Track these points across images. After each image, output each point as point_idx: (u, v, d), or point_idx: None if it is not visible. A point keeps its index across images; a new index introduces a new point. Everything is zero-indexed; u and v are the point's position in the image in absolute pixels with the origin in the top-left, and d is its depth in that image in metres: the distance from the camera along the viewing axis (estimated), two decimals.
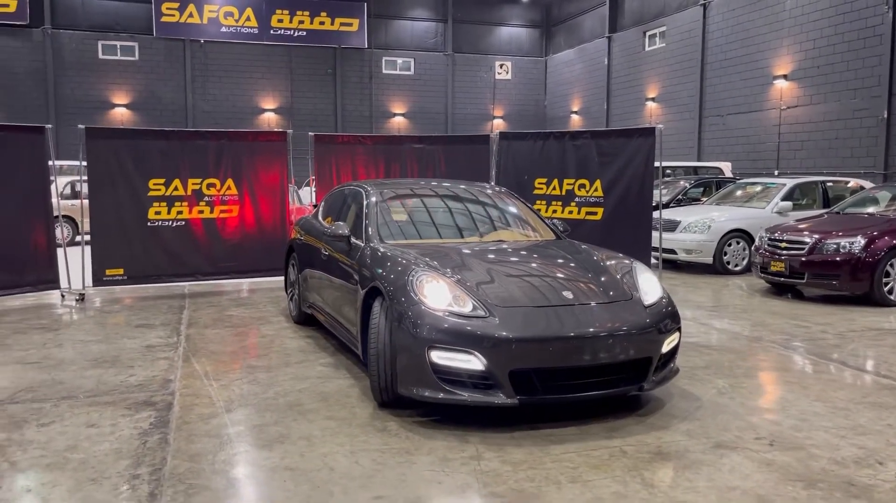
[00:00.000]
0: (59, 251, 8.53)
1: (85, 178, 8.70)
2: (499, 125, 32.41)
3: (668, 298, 4.66)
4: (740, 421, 4.33)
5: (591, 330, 4.17)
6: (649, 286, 4.68)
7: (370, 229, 5.38)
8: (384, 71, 31.90)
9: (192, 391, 4.83)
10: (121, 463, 3.62)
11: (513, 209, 6.14)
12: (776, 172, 19.63)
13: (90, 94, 28.44)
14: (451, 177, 9.78)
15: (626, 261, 4.97)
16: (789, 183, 11.77)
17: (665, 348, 4.42)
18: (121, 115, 28.82)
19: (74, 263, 8.74)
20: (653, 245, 9.35)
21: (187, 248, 8.97)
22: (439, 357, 4.05)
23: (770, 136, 20.81)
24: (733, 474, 3.55)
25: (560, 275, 4.72)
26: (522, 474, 3.51)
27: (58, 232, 8.84)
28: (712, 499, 3.28)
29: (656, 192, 9.43)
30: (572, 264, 4.90)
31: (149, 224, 8.80)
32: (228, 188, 9.14)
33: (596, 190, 9.13)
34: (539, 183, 9.64)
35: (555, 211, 9.46)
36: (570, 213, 9.33)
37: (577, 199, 9.32)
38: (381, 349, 4.31)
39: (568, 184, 9.40)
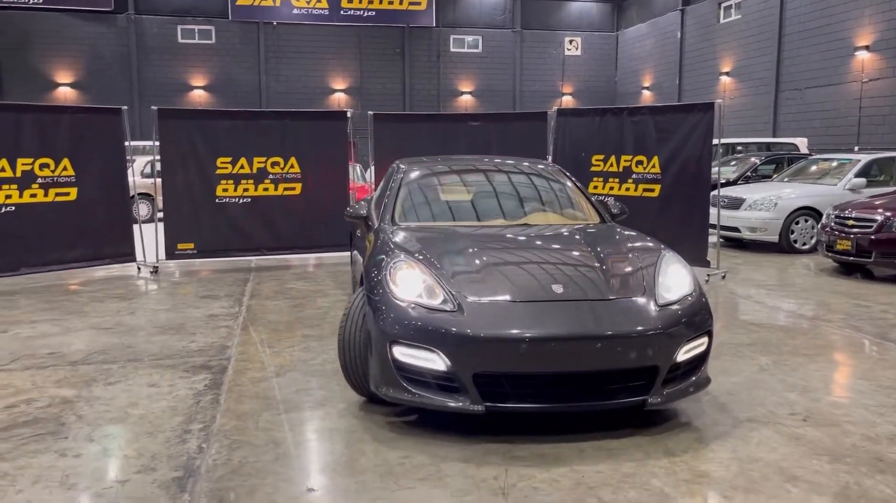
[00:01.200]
0: (136, 226, 9.05)
1: (159, 157, 9.19)
2: (568, 102, 32.03)
3: (698, 297, 3.95)
4: (777, 397, 4.31)
5: (577, 330, 3.58)
6: (675, 281, 3.99)
7: (387, 210, 5.07)
8: (452, 49, 31.94)
9: (247, 357, 5.13)
10: (175, 419, 3.92)
11: (559, 189, 5.59)
12: (856, 148, 18.78)
13: (170, 77, 29.58)
14: (509, 154, 9.85)
15: (655, 252, 4.27)
16: (864, 158, 11.30)
17: (683, 356, 3.72)
18: (198, 96, 29.87)
19: (150, 238, 9.26)
20: (713, 223, 9.18)
21: (253, 224, 9.35)
22: (402, 354, 3.62)
23: (850, 110, 19.90)
24: (759, 447, 3.57)
25: (565, 266, 4.15)
26: (545, 445, 3.63)
27: (136, 209, 9.37)
28: (733, 470, 3.32)
29: (714, 169, 9.23)
30: (588, 253, 4.26)
31: (217, 201, 9.22)
32: (292, 166, 9.46)
33: (653, 166, 9.02)
34: (596, 159, 9.58)
35: (612, 188, 9.40)
36: (627, 189, 9.25)
37: (634, 176, 9.22)
38: (348, 340, 3.96)
39: (625, 160, 9.30)
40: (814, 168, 12.09)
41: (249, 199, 9.36)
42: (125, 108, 9.05)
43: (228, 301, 7.18)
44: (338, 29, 30.52)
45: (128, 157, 9.11)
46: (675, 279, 4.02)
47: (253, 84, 30.23)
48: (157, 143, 9.11)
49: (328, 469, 3.37)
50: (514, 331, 3.54)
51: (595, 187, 9.46)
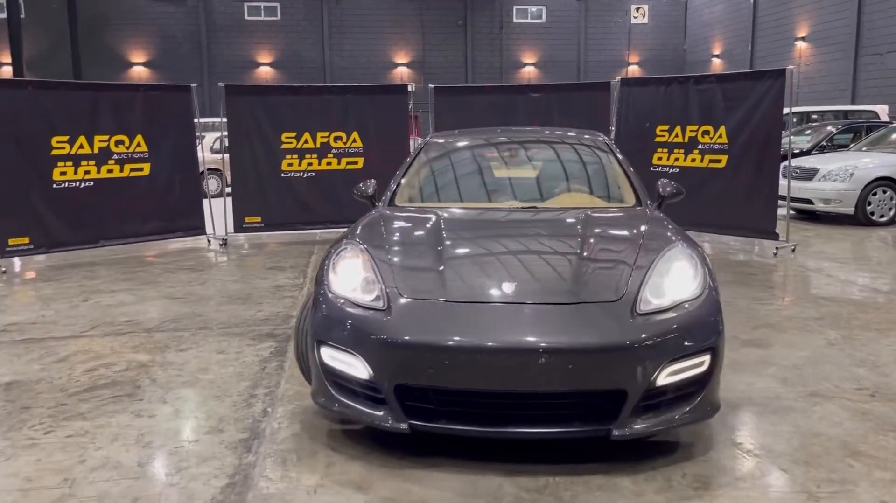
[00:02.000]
0: (206, 201, 9.36)
1: (227, 133, 9.44)
2: (633, 72, 31.30)
3: (701, 304, 3.14)
4: (844, 371, 4.19)
5: (515, 341, 2.90)
6: (673, 284, 3.23)
7: (389, 189, 4.60)
8: (515, 20, 31.55)
9: None
10: (241, 384, 4.09)
11: (597, 166, 4.82)
12: None
13: (237, 55, 30.22)
14: (571, 125, 9.73)
15: (663, 245, 3.48)
16: None
17: (666, 379, 2.95)
18: (264, 73, 30.44)
19: (220, 212, 9.57)
20: (783, 194, 8.90)
21: (316, 198, 9.54)
22: (330, 357, 3.19)
23: None
24: (822, 422, 3.50)
25: (537, 261, 3.54)
26: None
27: (206, 184, 9.68)
28: (794, 444, 3.26)
29: (785, 138, 8.91)
30: (575, 246, 3.56)
31: (282, 175, 9.44)
32: (354, 141, 9.59)
33: (720, 136, 8.77)
34: (661, 130, 9.38)
35: (677, 159, 9.20)
36: (693, 160, 9.03)
37: (700, 147, 8.99)
38: (300, 338, 3.57)
39: (691, 130, 9.08)
40: (894, 136, 11.53)
41: (313, 174, 9.54)
42: (194, 85, 9.32)
43: (293, 272, 7.38)
44: (400, 2, 30.53)
45: (197, 134, 9.39)
46: (674, 281, 3.24)
47: (317, 60, 30.59)
48: (225, 120, 9.36)
49: (385, 433, 3.46)
50: (439, 338, 2.94)
51: (659, 158, 9.28)
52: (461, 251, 3.66)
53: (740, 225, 8.46)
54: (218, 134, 16.07)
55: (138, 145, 8.69)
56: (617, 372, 2.90)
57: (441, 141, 5.20)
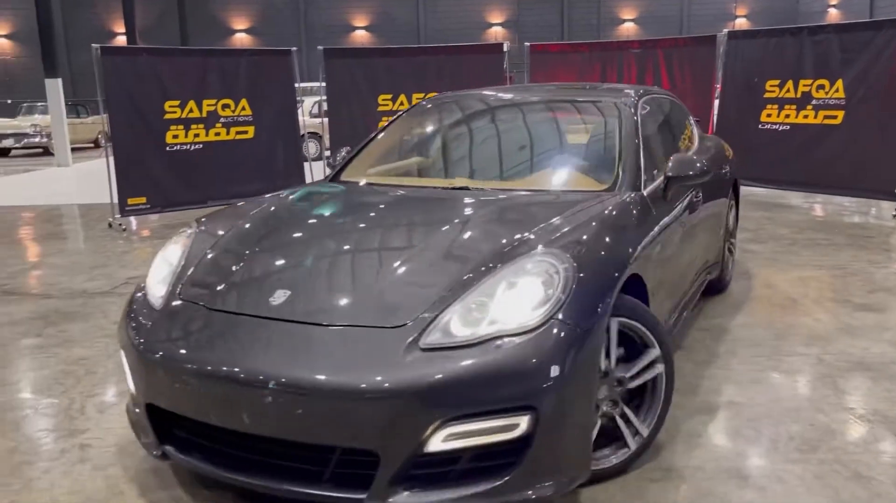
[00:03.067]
0: (306, 164, 9.64)
1: (325, 97, 9.62)
2: (741, 25, 29.71)
3: (529, 340, 2.20)
4: None
5: (249, 369, 2.23)
6: (504, 308, 2.28)
7: (344, 160, 4.02)
8: None
9: None
10: None
11: (595, 137, 3.76)
12: None
13: (334, 19, 30.64)
14: (674, 84, 9.37)
15: (515, 254, 2.50)
16: None
17: (443, 442, 2.13)
18: (360, 36, 30.77)
19: (319, 175, 9.84)
20: None
21: None
22: (126, 362, 2.67)
23: None
24: None
25: (357, 263, 2.78)
26: (704, 371, 3.56)
27: (306, 147, 9.95)
28: None
29: None
30: (420, 246, 2.76)
31: None
32: None
33: (836, 91, 8.24)
34: (771, 85, 8.90)
35: (787, 115, 8.72)
36: (806, 117, 8.54)
37: (813, 102, 8.48)
38: None
39: (804, 85, 8.57)
40: None
41: None
42: (294, 49, 9.54)
43: None
44: None
45: (297, 98, 9.63)
46: (507, 304, 2.29)
47: (411, 22, 30.62)
48: (324, 84, 9.54)
49: None
50: (176, 354, 2.43)
51: (768, 115, 8.83)
52: (277, 244, 2.98)
53: (857, 185, 7.97)
54: (317, 98, 16.45)
55: (243, 109, 9.01)
56: (363, 427, 2.12)
57: (424, 104, 4.37)
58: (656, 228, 3.09)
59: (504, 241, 2.64)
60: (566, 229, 2.70)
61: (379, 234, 3.03)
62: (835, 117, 8.29)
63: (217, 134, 8.85)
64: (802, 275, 5.32)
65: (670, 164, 3.33)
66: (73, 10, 30.72)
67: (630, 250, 2.73)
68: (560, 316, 2.26)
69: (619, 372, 2.56)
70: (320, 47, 9.68)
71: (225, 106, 8.88)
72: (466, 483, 2.17)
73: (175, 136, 8.55)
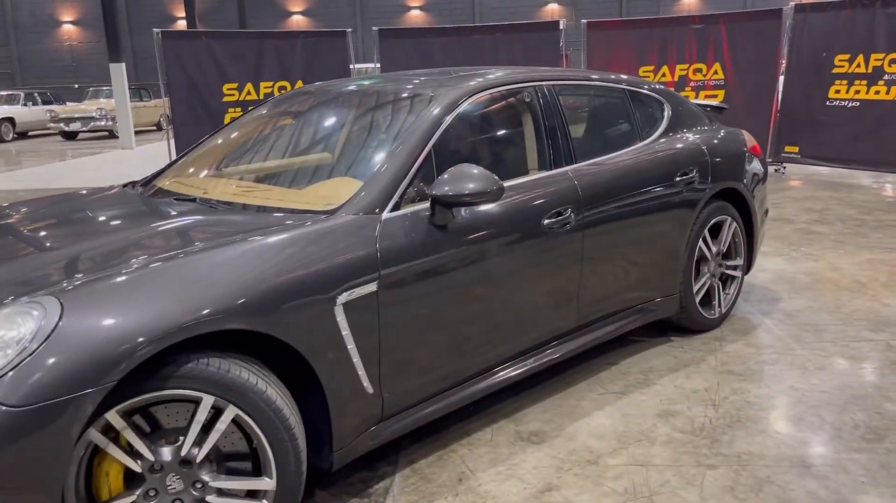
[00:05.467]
0: None
1: None
2: None
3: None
4: None
5: None
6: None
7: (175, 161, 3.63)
8: None
9: None
10: None
11: (381, 141, 2.91)
12: None
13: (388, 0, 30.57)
14: (737, 60, 9.07)
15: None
16: None
17: None
18: (415, 16, 30.68)
19: None
20: None
21: None
22: None
23: None
24: None
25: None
26: (766, 356, 3.47)
27: None
28: None
29: None
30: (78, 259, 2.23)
31: None
32: None
33: None
34: (840, 60, 8.54)
35: (858, 91, 8.36)
36: (877, 93, 8.18)
37: (886, 77, 8.11)
38: None
39: (876, 59, 8.20)
40: None
41: None
42: (349, 30, 9.57)
43: None
44: None
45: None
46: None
47: (466, 1, 30.37)
48: (378, 65, 9.56)
49: None
50: None
51: (837, 91, 8.49)
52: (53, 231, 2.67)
53: None
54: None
55: None
56: None
57: (283, 95, 3.75)
58: (388, 264, 2.32)
59: (22, 273, 2.14)
60: (119, 262, 2.09)
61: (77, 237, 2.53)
62: None
63: None
64: (871, 257, 5.12)
65: (437, 179, 2.48)
66: None
67: (225, 301, 1.97)
68: None
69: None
70: (375, 28, 9.70)
71: (281, 88, 9.00)
72: None
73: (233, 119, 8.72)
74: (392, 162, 2.57)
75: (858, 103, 8.28)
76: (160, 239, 2.37)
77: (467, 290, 2.61)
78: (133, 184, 3.34)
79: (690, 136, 3.77)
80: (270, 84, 8.89)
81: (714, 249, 3.78)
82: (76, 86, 26.82)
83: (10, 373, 1.72)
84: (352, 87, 3.38)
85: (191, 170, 3.30)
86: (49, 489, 1.77)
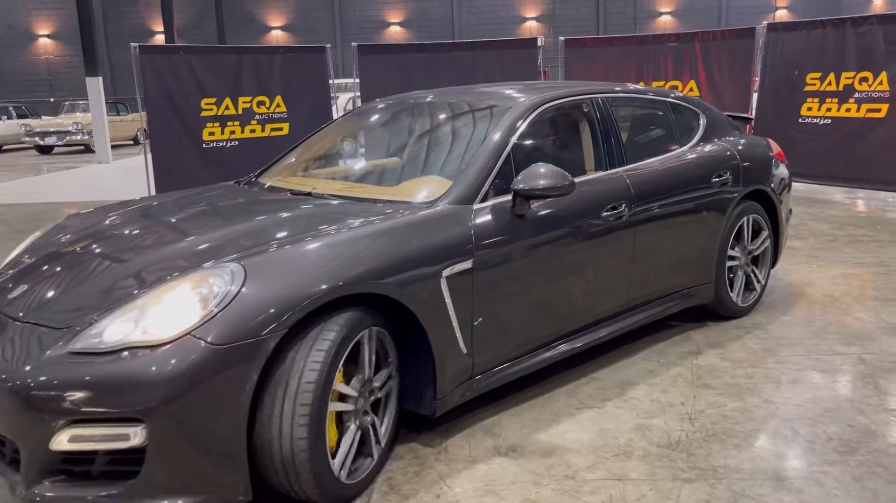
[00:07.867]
0: None
1: (359, 93, 9.68)
2: (782, 17, 29.08)
3: (163, 354, 2.15)
4: None
5: None
6: (161, 316, 2.24)
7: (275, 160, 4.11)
8: None
9: None
10: None
11: (461, 141, 3.44)
12: None
13: (368, 15, 30.74)
14: (712, 77, 9.23)
15: (194, 268, 2.44)
16: None
17: (67, 443, 2.17)
18: (395, 32, 30.82)
19: None
20: None
21: None
22: None
23: None
24: None
25: (110, 264, 2.73)
26: (741, 370, 3.51)
27: None
28: None
29: None
30: (168, 253, 2.67)
31: None
32: None
33: (881, 83, 8.03)
34: (812, 78, 8.70)
35: (829, 109, 8.53)
36: (848, 111, 8.34)
37: (856, 95, 8.28)
38: None
39: (847, 77, 8.37)
40: None
41: None
42: (329, 45, 9.59)
43: None
44: None
45: (332, 94, 9.70)
46: (164, 313, 2.25)
47: (446, 17, 30.59)
48: (358, 80, 9.58)
49: None
50: None
51: (809, 109, 8.66)
52: (71, 246, 2.98)
53: None
54: (351, 94, 16.54)
55: (278, 106, 9.11)
56: (8, 418, 2.23)
57: (364, 107, 4.38)
58: (486, 248, 2.82)
59: (202, 248, 2.63)
60: (275, 238, 2.62)
61: (153, 237, 2.95)
62: (878, 110, 8.09)
63: (252, 131, 8.96)
64: (843, 272, 5.20)
65: (518, 177, 2.94)
66: (113, 9, 31.33)
67: (364, 269, 2.47)
68: (199, 332, 2.18)
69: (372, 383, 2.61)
70: (354, 43, 9.74)
71: (260, 103, 8.98)
72: (101, 485, 2.21)
73: (211, 133, 8.69)
74: (479, 161, 3.06)
75: (830, 120, 8.45)
76: (302, 222, 2.86)
77: (541, 270, 3.07)
78: (238, 182, 3.84)
79: (723, 143, 4.19)
80: (249, 99, 8.87)
81: (744, 244, 4.18)
82: (52, 99, 26.57)
83: (217, 317, 2.19)
84: (430, 99, 3.85)
85: (291, 171, 3.78)
86: (233, 419, 2.20)
